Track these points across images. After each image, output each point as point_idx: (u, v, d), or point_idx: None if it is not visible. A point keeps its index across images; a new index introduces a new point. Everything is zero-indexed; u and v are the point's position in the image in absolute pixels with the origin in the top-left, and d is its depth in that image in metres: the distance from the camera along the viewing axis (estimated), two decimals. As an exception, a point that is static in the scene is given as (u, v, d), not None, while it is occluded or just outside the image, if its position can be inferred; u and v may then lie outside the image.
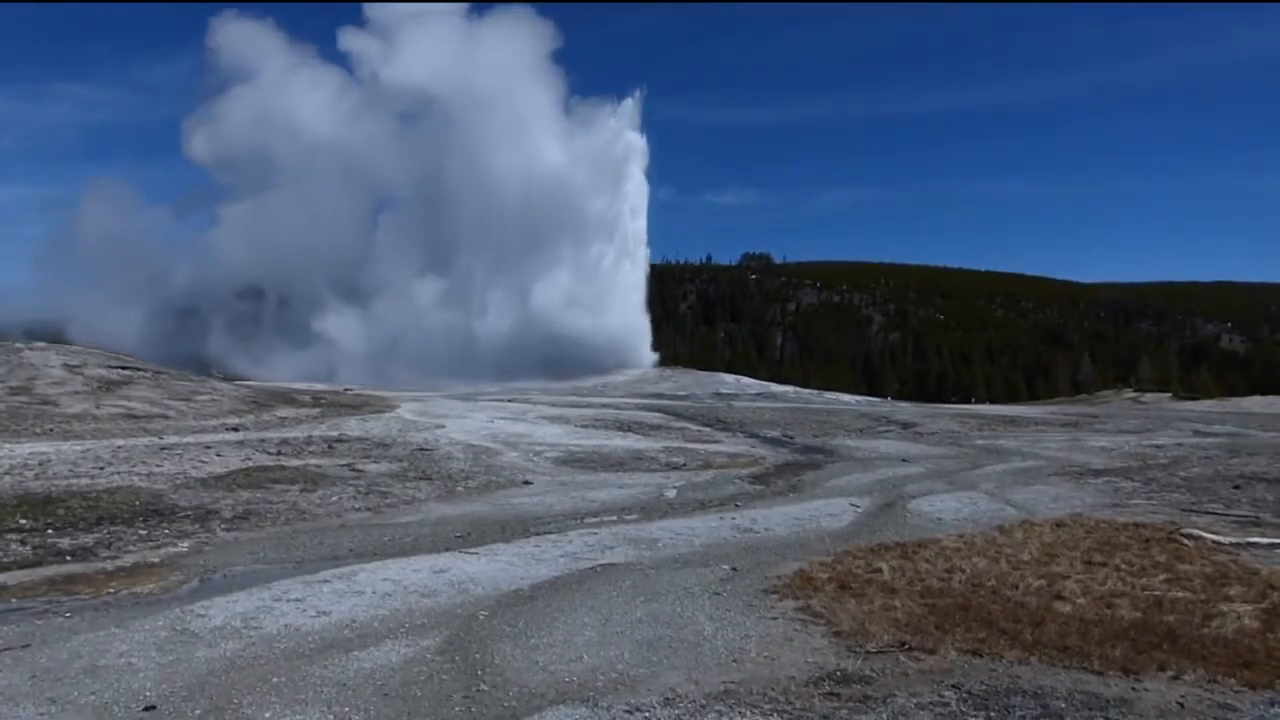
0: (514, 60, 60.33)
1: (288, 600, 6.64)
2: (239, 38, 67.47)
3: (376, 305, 57.75)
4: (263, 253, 62.74)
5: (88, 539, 8.80)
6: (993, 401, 66.89)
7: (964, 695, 4.76)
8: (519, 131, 59.99)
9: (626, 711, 4.56)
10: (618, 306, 56.16)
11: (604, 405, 28.02)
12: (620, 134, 59.71)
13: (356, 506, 11.09)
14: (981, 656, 5.35)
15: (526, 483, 13.35)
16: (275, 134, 63.87)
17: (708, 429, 22.40)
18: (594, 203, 59.32)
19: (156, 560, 8.21)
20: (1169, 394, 56.97)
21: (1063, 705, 4.64)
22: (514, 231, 59.38)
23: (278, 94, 64.90)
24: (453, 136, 59.82)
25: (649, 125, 61.55)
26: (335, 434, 17.38)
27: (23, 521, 9.32)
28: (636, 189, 59.23)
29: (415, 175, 61.79)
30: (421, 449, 15.93)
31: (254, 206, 65.05)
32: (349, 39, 64.36)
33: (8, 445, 13.90)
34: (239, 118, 66.18)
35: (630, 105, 60.35)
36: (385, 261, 59.15)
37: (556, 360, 50.65)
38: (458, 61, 59.99)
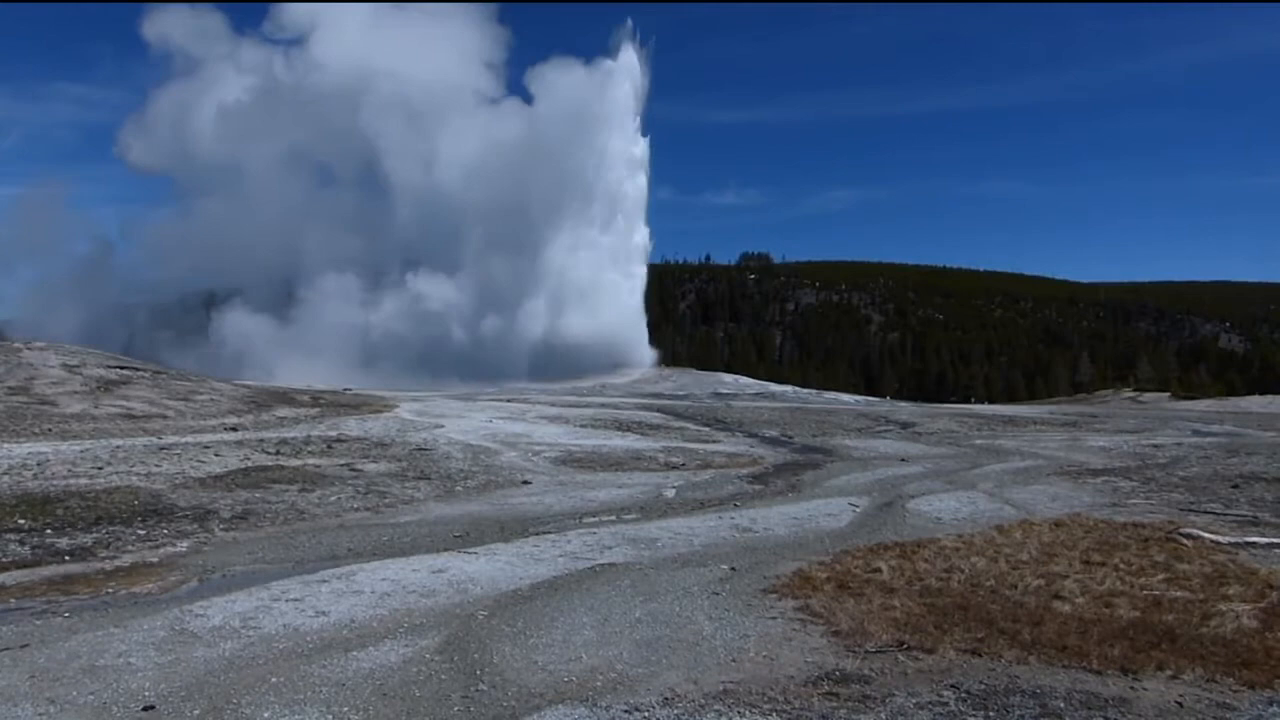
0: (454, 53, 60.69)
1: (286, 600, 6.64)
2: (176, 31, 67.47)
3: (307, 302, 58.34)
4: (198, 254, 63.61)
5: (86, 539, 8.79)
6: (991, 401, 66.97)
7: (963, 695, 4.76)
8: (464, 119, 60.36)
9: (625, 711, 4.56)
10: (616, 306, 56.00)
11: (603, 405, 28.01)
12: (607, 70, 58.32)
13: (355, 506, 11.08)
14: (980, 656, 5.35)
15: (525, 482, 13.35)
16: (208, 135, 64.01)
17: (707, 429, 22.41)
18: (583, 168, 58.20)
19: (155, 560, 8.21)
20: (1168, 393, 57.15)
21: (1061, 705, 4.64)
22: (473, 221, 59.31)
23: (211, 92, 65.01)
24: (397, 132, 60.14)
25: (653, 124, 61.10)
26: (334, 434, 17.37)
27: (21, 521, 9.32)
28: (630, 119, 57.50)
29: (356, 169, 62.26)
30: (420, 449, 15.93)
31: (186, 211, 65.90)
32: (251, 52, 64.45)
33: (6, 445, 13.89)
34: (173, 120, 66.63)
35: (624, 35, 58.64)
36: (313, 259, 59.63)
37: (553, 360, 50.69)
38: (392, 57, 60.28)
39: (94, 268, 71.42)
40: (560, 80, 59.79)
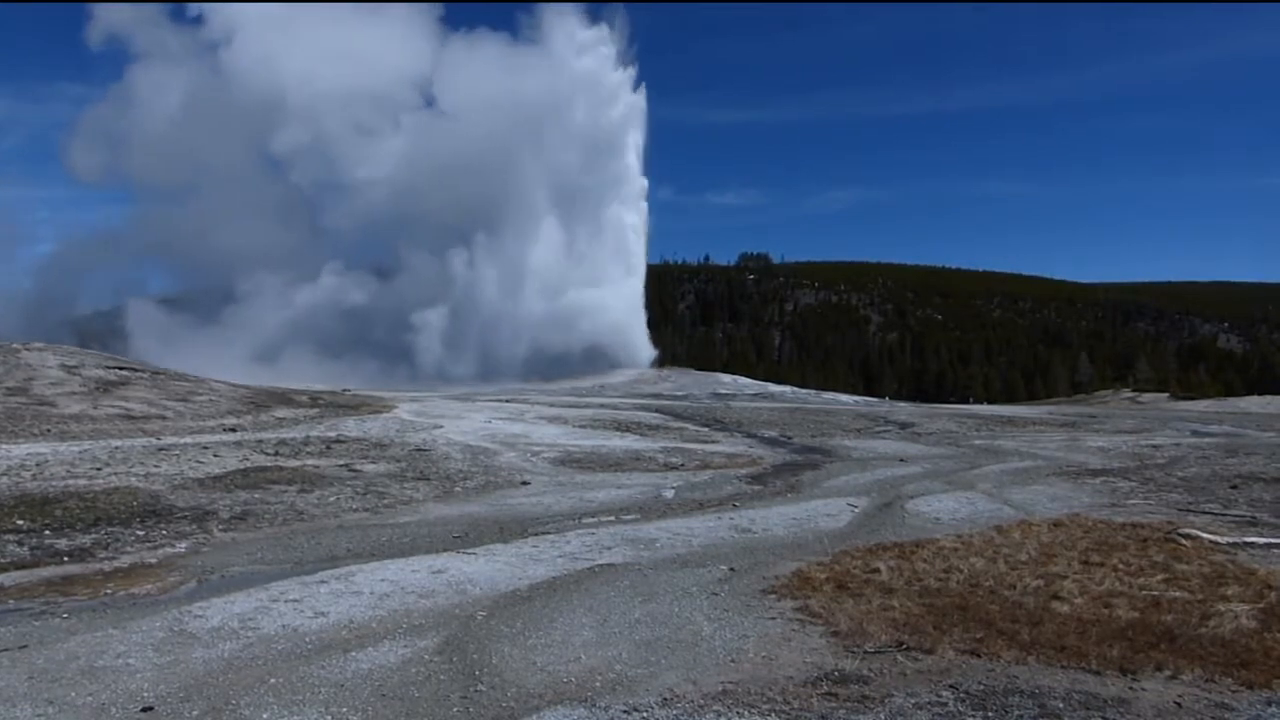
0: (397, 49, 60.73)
1: (285, 601, 6.63)
2: (120, 28, 66.40)
3: (236, 298, 58.94)
4: (148, 255, 63.83)
5: (85, 540, 8.78)
6: (990, 401, 66.98)
7: (962, 695, 4.76)
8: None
9: (624, 712, 4.56)
10: (614, 306, 55.85)
11: (602, 405, 28.01)
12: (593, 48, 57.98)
13: (354, 507, 11.08)
14: (979, 656, 5.35)
15: (524, 483, 13.35)
16: (148, 139, 63.46)
17: (706, 429, 22.41)
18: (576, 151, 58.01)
19: (154, 561, 8.20)
20: (1166, 394, 57.15)
21: (1060, 705, 4.64)
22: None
23: (151, 93, 64.29)
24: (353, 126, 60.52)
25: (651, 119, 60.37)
26: (333, 434, 17.37)
27: (20, 522, 9.31)
28: (630, 112, 57.28)
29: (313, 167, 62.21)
30: (419, 449, 15.92)
31: (138, 213, 66.21)
32: (192, 49, 63.97)
33: (5, 446, 13.88)
34: (108, 127, 66.04)
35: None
36: (249, 257, 59.83)
37: (552, 360, 50.71)
38: (343, 54, 60.46)
39: (51, 269, 72.36)
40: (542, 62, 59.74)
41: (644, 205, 58.79)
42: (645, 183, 58.92)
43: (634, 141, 57.85)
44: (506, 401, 28.36)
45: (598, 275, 56.78)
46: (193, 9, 63.11)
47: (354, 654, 5.47)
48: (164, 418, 18.29)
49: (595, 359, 51.53)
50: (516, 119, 57.95)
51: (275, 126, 59.52)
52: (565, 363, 50.62)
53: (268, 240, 59.99)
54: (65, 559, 8.11)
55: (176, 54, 65.59)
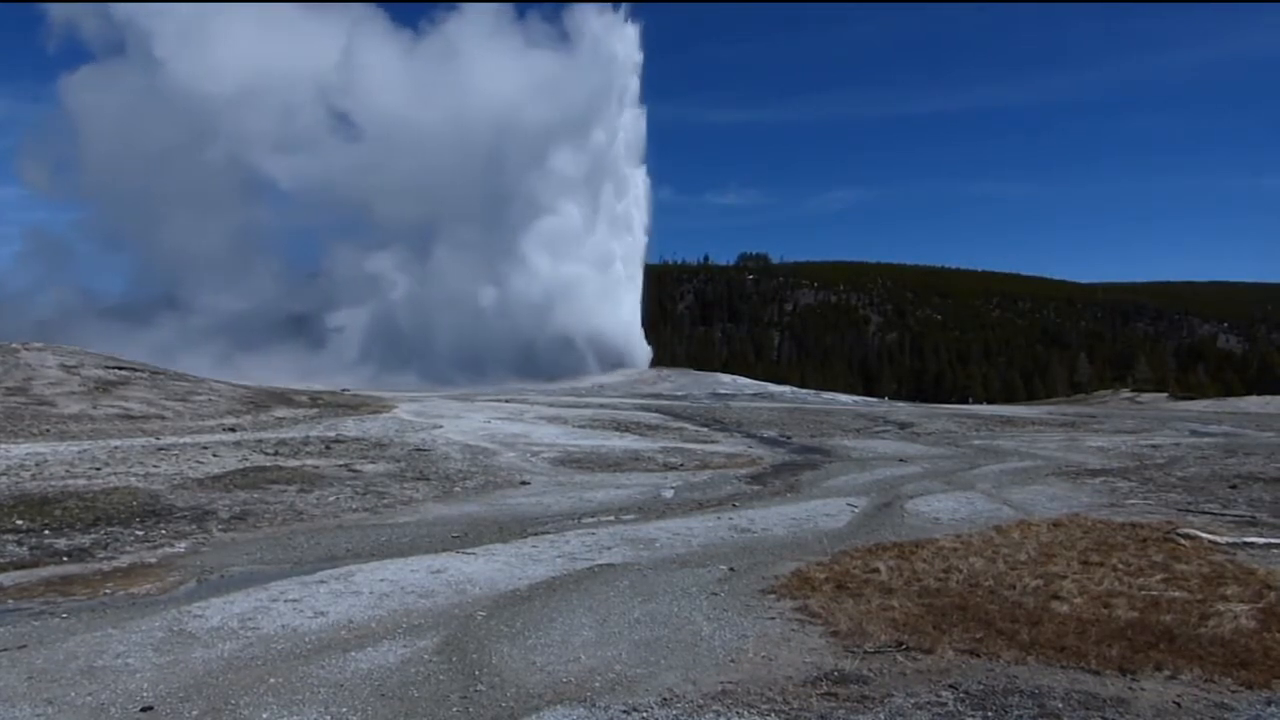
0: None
1: (285, 601, 6.63)
2: (70, 26, 66.79)
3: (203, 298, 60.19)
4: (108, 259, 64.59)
5: (84, 540, 8.78)
6: (990, 401, 67.00)
7: (961, 695, 4.77)
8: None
9: (624, 712, 4.56)
10: (614, 306, 55.69)
11: (601, 405, 28.01)
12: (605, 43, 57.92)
13: (354, 507, 11.07)
14: (979, 656, 5.35)
15: (524, 483, 13.35)
16: (92, 147, 63.35)
17: (705, 429, 22.41)
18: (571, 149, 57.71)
19: (153, 561, 8.20)
20: (1166, 394, 57.20)
21: (1060, 705, 4.64)
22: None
23: (94, 102, 64.03)
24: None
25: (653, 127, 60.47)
26: (333, 434, 17.36)
27: (19, 522, 9.30)
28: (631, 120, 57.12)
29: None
30: (419, 449, 15.92)
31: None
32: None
33: (4, 446, 13.87)
34: (71, 130, 66.10)
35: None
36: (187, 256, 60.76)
37: (549, 360, 50.74)
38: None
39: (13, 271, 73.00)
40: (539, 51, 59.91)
41: (643, 202, 58.62)
42: (645, 179, 58.76)
43: (631, 135, 57.61)
44: (506, 402, 28.35)
45: (596, 275, 56.59)
46: (143, 11, 62.40)
47: (353, 654, 5.47)
48: (163, 417, 18.28)
49: (593, 359, 51.51)
50: (508, 104, 58.11)
51: (216, 131, 59.58)
52: (567, 362, 50.59)
53: (208, 244, 60.47)
54: (64, 559, 8.11)
55: (129, 50, 65.13)
